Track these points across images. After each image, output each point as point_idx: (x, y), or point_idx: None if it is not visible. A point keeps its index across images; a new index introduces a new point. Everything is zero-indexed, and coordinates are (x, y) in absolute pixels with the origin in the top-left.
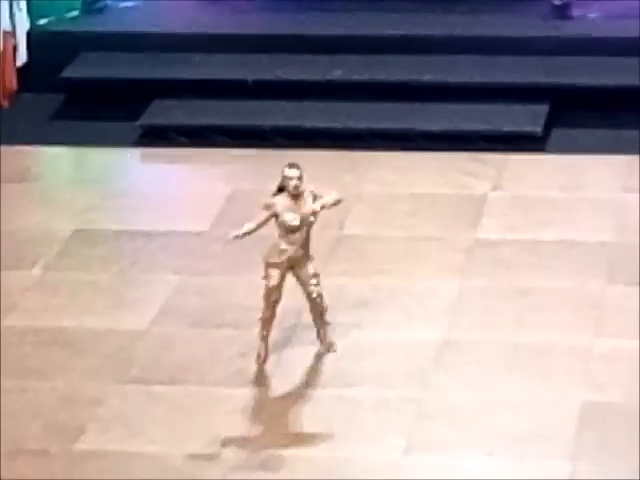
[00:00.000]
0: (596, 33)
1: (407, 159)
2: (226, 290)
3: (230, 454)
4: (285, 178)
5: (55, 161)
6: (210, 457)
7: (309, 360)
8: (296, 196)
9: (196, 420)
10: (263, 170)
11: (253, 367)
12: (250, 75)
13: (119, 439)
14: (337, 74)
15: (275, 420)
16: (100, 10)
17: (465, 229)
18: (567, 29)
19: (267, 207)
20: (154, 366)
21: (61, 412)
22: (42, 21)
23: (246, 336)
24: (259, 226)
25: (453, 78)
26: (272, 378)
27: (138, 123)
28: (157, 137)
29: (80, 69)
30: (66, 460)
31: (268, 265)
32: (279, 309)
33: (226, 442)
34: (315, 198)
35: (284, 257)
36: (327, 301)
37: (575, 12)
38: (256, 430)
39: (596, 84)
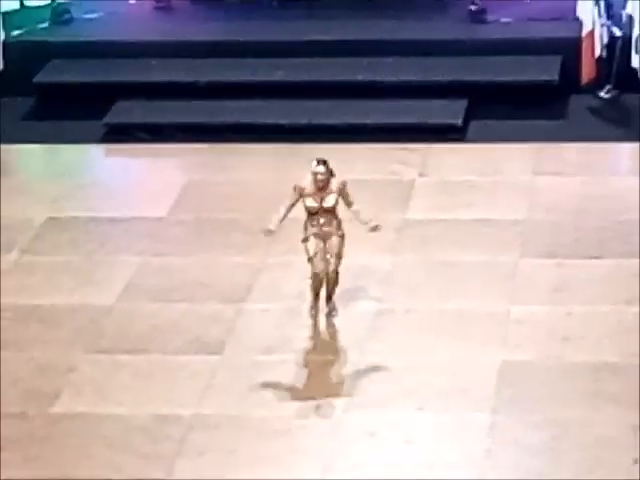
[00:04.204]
0: (509, 35)
1: (343, 150)
2: (183, 269)
3: (189, 414)
4: (313, 173)
5: (29, 157)
6: (171, 417)
7: (257, 328)
8: (321, 188)
9: (159, 384)
10: (215, 163)
11: (208, 337)
12: (202, 77)
13: (90, 402)
14: (279, 75)
15: (228, 383)
16: (67, 21)
17: (395, 211)
18: (482, 32)
19: (295, 189)
20: (120, 337)
21: (38, 379)
22: (15, 32)
23: (202, 309)
24: (289, 209)
25: (382, 77)
26: (225, 345)
27: (103, 122)
28: (120, 134)
29: (50, 75)
30: (43, 422)
31: (302, 242)
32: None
33: (185, 404)
34: (343, 191)
35: (309, 232)
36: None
37: (489, 16)
38: (211, 393)
39: (509, 81)
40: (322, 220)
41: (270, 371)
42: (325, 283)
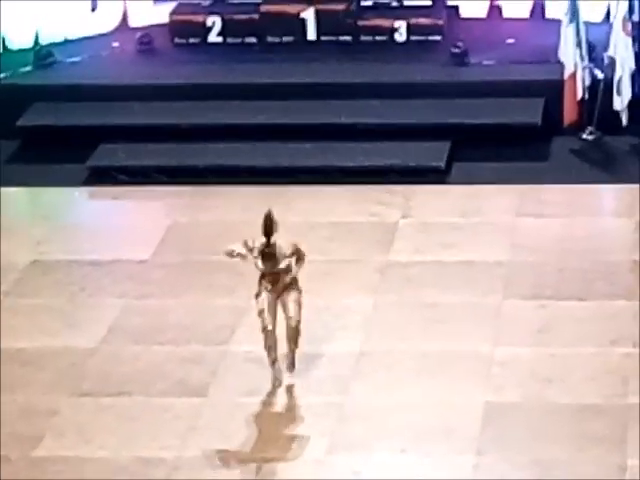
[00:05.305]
0: (491, 77)
1: (326, 192)
2: (166, 311)
3: (172, 457)
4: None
5: (12, 200)
6: (155, 460)
7: (241, 372)
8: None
9: (141, 427)
10: (198, 204)
11: (191, 379)
12: (185, 120)
13: (73, 445)
14: (262, 118)
15: (212, 426)
16: (50, 65)
17: (378, 252)
18: (465, 74)
19: (245, 245)
20: (103, 380)
21: (21, 422)
22: None
23: (185, 351)
24: (238, 254)
25: (365, 119)
26: (209, 387)
27: (86, 165)
28: (103, 177)
29: (33, 118)
30: (26, 465)
31: (255, 297)
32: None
33: (169, 446)
34: (294, 254)
35: (262, 287)
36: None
37: (472, 59)
38: (195, 435)
39: (491, 123)
40: (275, 278)
41: (254, 413)
42: (286, 339)
